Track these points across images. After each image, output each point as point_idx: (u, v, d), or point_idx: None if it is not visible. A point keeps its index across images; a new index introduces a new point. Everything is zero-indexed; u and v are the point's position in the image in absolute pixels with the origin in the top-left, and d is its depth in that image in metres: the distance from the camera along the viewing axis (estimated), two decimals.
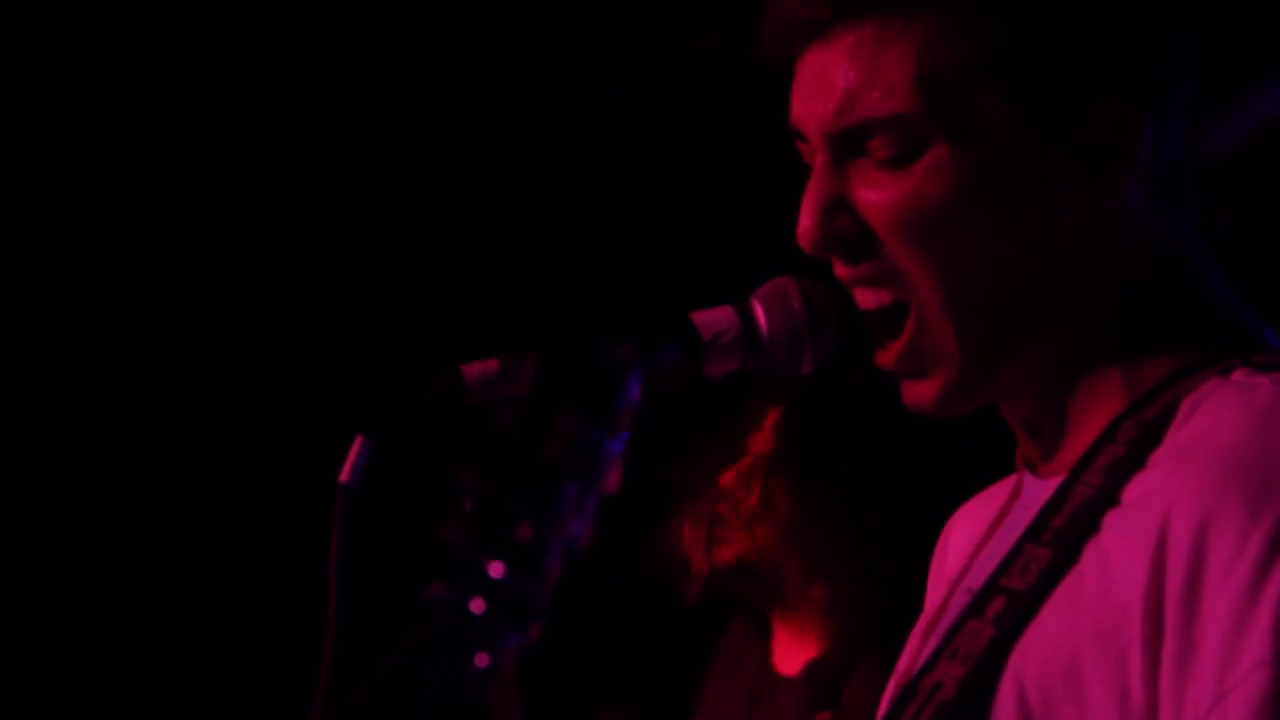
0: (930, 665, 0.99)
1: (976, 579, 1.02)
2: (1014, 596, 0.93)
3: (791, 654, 2.29)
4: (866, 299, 1.04)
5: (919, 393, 1.04)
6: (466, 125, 2.99)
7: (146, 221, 3.31)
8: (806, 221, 1.01)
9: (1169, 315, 0.99)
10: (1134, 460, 0.92)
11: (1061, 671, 0.89)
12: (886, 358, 1.04)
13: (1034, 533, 0.95)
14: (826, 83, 0.97)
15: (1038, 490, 1.01)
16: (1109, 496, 0.92)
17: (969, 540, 1.16)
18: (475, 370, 1.18)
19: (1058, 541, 0.92)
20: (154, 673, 3.10)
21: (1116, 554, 0.89)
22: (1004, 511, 1.11)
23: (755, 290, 1.19)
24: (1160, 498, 0.87)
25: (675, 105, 3.11)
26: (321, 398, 2.61)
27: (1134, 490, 0.91)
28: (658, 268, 2.84)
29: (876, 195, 0.97)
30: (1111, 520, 0.91)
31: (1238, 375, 0.93)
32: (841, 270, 1.05)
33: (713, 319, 1.17)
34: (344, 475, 1.16)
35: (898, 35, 0.93)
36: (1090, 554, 0.91)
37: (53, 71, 3.21)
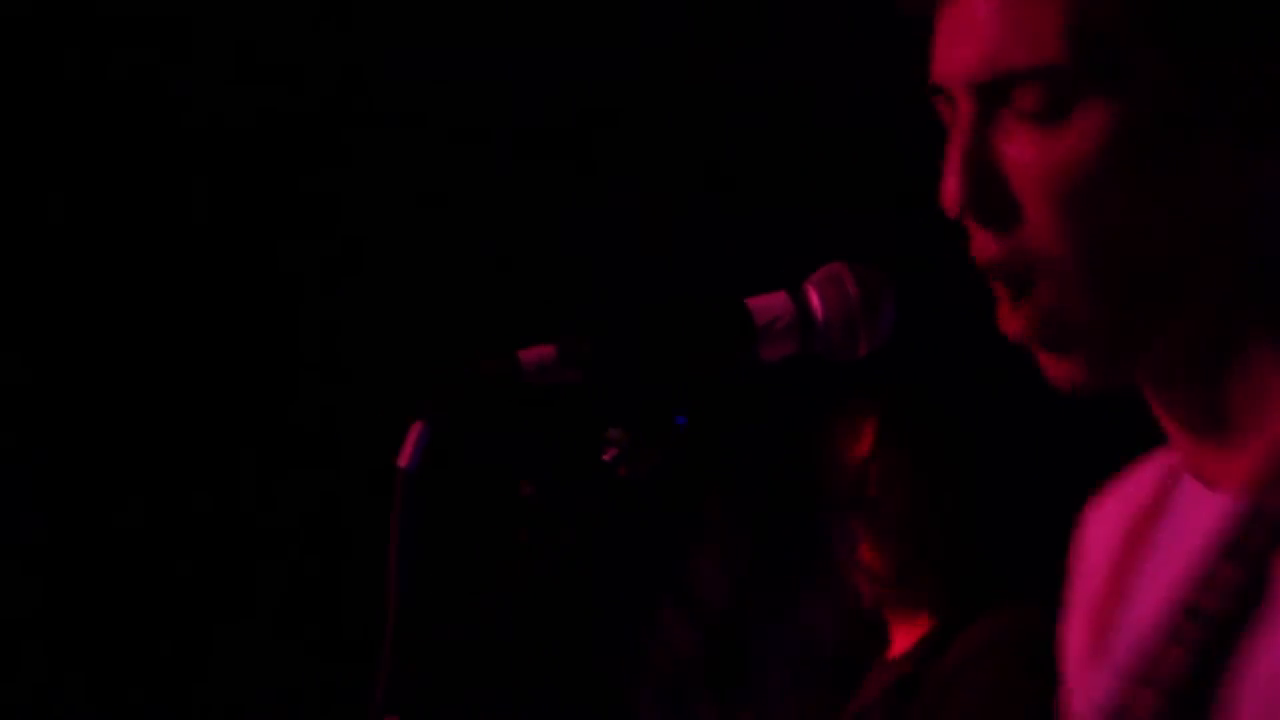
0: (1120, 695, 0.92)
1: (1151, 594, 0.94)
2: (1212, 621, 0.86)
3: (900, 638, 2.32)
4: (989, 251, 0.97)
5: (1059, 369, 0.95)
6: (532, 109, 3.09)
7: (209, 212, 3.46)
8: (952, 181, 0.93)
9: None
10: None
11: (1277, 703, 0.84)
12: (1015, 324, 0.95)
13: (1226, 552, 0.87)
14: (972, 32, 0.92)
15: (1206, 499, 0.93)
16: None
17: (1114, 540, 1.08)
18: (532, 356, 1.18)
19: (1256, 563, 0.85)
20: (215, 659, 3.19)
21: None
22: (1156, 512, 1.02)
23: (809, 276, 1.22)
24: None
25: (725, 94, 3.18)
26: (381, 382, 2.66)
27: None
28: (705, 254, 2.88)
29: (1024, 153, 0.91)
30: None
31: None
32: (981, 241, 0.96)
33: (767, 304, 1.20)
34: (403, 460, 1.15)
35: None
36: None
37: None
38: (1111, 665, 0.95)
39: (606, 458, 1.22)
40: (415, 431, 1.17)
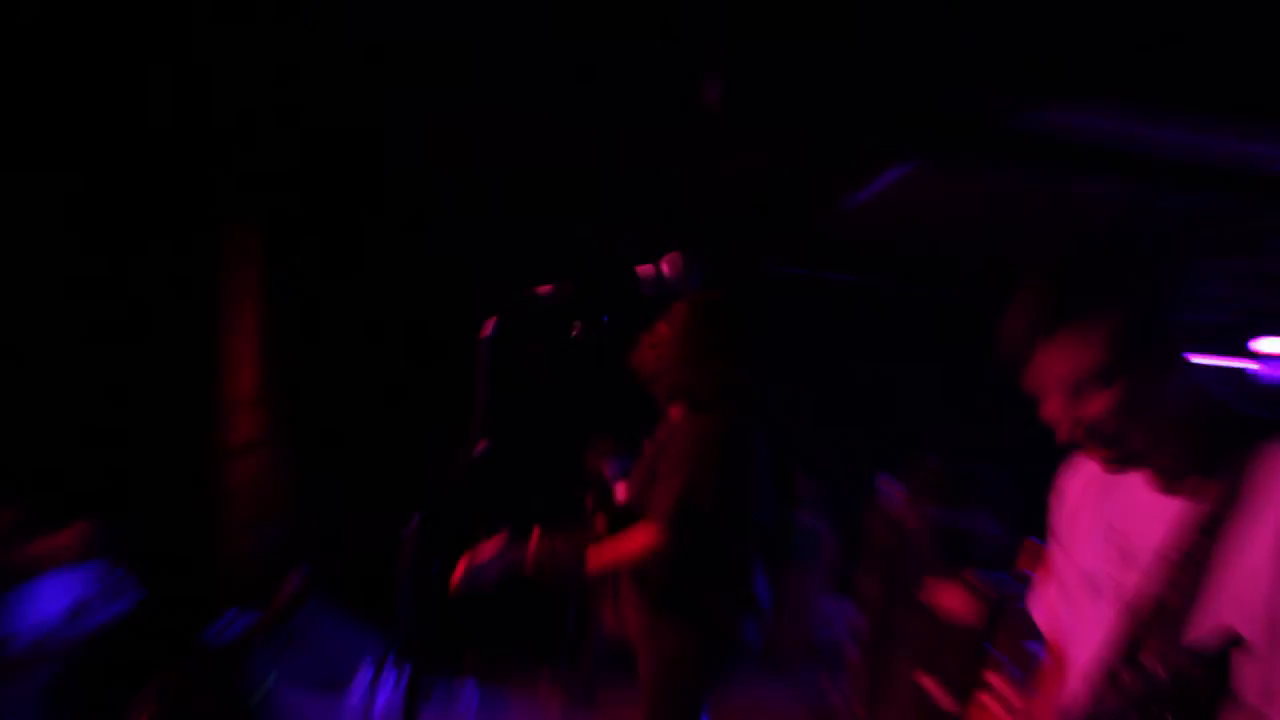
0: (1154, 591, 1.41)
1: (1142, 542, 1.47)
2: (1199, 560, 1.37)
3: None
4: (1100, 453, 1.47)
5: (1112, 467, 1.49)
6: None
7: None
8: (1066, 432, 1.45)
9: (1212, 419, 1.43)
10: (1237, 487, 1.36)
11: (1252, 599, 1.31)
12: (1104, 460, 1.48)
13: (1195, 527, 1.40)
14: (1051, 368, 1.41)
15: (1164, 498, 1.47)
16: (1238, 513, 1.35)
17: (1077, 489, 1.65)
18: (543, 290, 2.16)
19: (1211, 523, 1.38)
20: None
21: (1259, 531, 1.33)
22: (1102, 485, 1.58)
23: (663, 257, 2.37)
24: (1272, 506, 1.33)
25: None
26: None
27: (1248, 503, 1.35)
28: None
29: (1096, 406, 1.40)
30: (1244, 514, 1.35)
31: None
32: (1092, 449, 1.47)
33: (645, 270, 2.29)
34: (484, 333, 2.10)
35: (1086, 333, 1.37)
36: (1242, 529, 1.34)
37: None
38: (1113, 544, 1.49)
39: (574, 333, 2.23)
40: (491, 321, 2.12)
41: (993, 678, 4.88)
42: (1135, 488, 1.51)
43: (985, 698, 4.68)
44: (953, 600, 5.50)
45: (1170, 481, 1.46)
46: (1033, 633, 4.73)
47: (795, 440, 7.45)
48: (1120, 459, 1.44)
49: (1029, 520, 5.36)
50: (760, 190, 5.92)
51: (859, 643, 6.31)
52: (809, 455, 8.01)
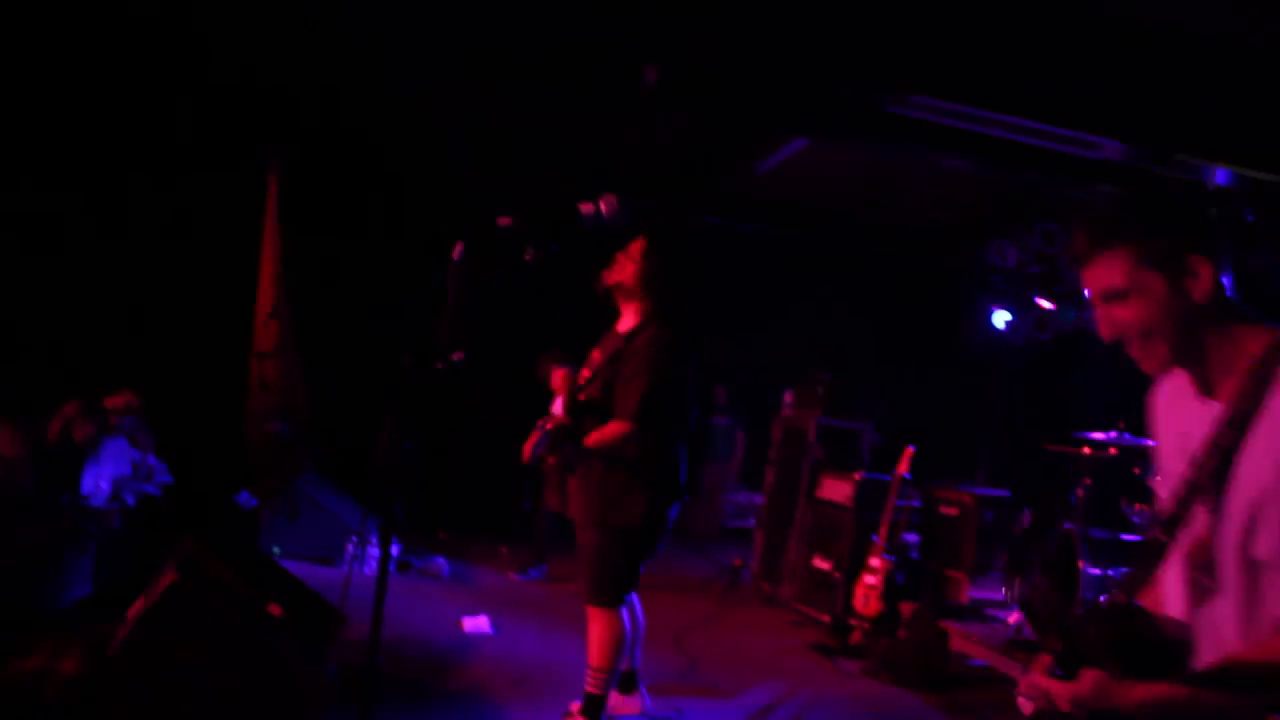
0: (1198, 470, 1.52)
1: (1196, 437, 1.55)
2: (1226, 450, 1.49)
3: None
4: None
5: (1153, 369, 1.59)
6: None
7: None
8: (1105, 333, 1.59)
9: (1237, 333, 1.54)
10: (1261, 394, 1.47)
11: (1265, 476, 1.43)
12: (1149, 364, 1.59)
13: (1228, 420, 1.50)
14: (1096, 279, 1.56)
15: (1206, 401, 1.57)
16: (1257, 407, 1.47)
17: (1164, 402, 1.71)
18: (505, 220, 2.39)
19: (1240, 421, 1.49)
20: None
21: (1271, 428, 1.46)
22: (1182, 404, 1.63)
23: (600, 198, 2.61)
24: None
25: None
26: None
27: (1271, 405, 1.46)
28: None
29: (1122, 314, 1.55)
30: (1266, 415, 1.46)
31: None
32: (1128, 348, 1.58)
33: (586, 207, 2.58)
34: (455, 255, 2.33)
35: (1109, 263, 1.54)
36: (1259, 428, 1.46)
37: None
38: (1190, 467, 1.55)
39: (527, 258, 2.47)
40: (459, 246, 2.36)
41: (873, 559, 5.19)
42: (1188, 395, 1.62)
43: (867, 576, 5.11)
44: (840, 493, 5.77)
45: (1209, 387, 1.57)
46: (908, 525, 5.00)
47: (717, 358, 7.73)
48: (1155, 362, 1.57)
49: (903, 428, 5.62)
50: (686, 154, 6.15)
51: (763, 526, 6.57)
52: (727, 370, 8.30)
